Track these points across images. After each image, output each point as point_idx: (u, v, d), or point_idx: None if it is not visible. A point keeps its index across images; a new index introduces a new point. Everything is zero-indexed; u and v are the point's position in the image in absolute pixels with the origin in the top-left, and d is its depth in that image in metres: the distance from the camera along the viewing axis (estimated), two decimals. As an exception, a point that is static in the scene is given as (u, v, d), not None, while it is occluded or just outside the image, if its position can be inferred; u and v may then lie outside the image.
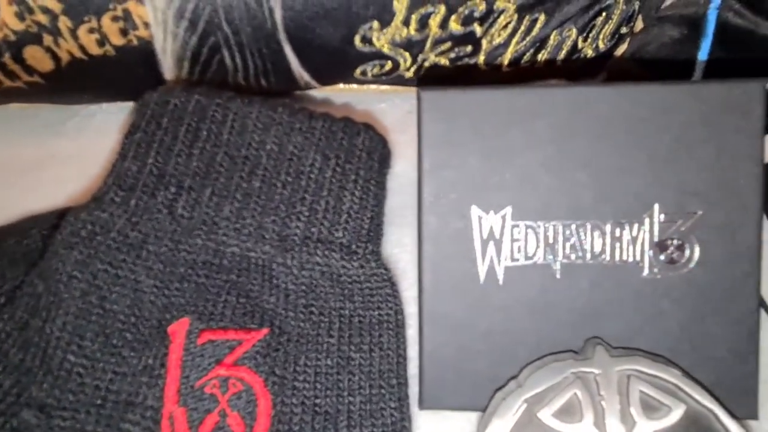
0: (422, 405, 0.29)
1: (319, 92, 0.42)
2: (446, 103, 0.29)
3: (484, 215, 0.29)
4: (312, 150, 0.33)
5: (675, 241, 0.28)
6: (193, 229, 0.30)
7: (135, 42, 0.35)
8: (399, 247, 0.34)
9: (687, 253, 0.28)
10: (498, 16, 0.36)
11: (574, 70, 0.41)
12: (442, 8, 0.35)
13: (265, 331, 0.30)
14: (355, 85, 0.43)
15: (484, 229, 0.28)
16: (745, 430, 0.26)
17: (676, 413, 0.26)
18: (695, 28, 0.39)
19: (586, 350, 0.27)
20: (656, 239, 0.28)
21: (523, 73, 0.41)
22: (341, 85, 0.43)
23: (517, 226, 0.28)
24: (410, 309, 0.32)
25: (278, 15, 0.34)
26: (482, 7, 0.35)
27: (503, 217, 0.28)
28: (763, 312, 0.32)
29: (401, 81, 0.40)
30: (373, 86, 0.42)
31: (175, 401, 0.28)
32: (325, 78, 0.40)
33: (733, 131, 0.27)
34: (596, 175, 0.28)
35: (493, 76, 0.39)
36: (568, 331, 0.28)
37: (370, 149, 0.34)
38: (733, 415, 0.26)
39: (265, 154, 0.32)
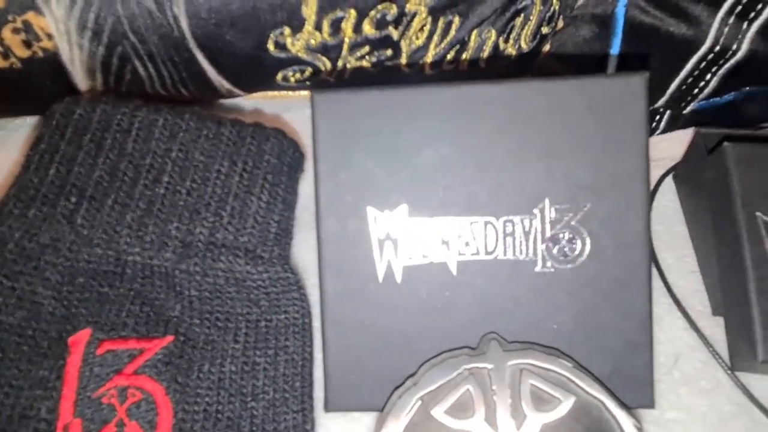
0: (328, 407, 0.29)
1: (247, 100, 0.43)
2: (339, 105, 0.29)
3: (380, 215, 0.29)
4: (219, 156, 0.33)
5: (566, 235, 0.28)
6: (94, 238, 0.30)
7: (40, 53, 0.35)
8: (313, 250, 0.34)
9: (578, 246, 0.28)
10: (411, 19, 0.37)
11: (501, 69, 0.42)
12: (353, 12, 0.35)
13: (168, 338, 0.30)
14: (283, 92, 0.43)
15: (381, 228, 0.29)
16: (633, 418, 0.26)
17: (566, 405, 0.26)
18: (605, 25, 0.40)
19: (482, 346, 0.28)
20: (548, 233, 0.28)
21: (458, 73, 0.41)
22: (270, 92, 0.43)
23: (413, 224, 0.29)
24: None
25: (184, 23, 0.34)
26: (393, 10, 0.36)
27: (398, 216, 0.29)
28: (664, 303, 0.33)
29: (329, 85, 0.40)
30: (304, 92, 0.42)
31: (71, 413, 0.27)
32: (246, 85, 0.40)
33: (619, 124, 0.28)
34: (488, 171, 0.28)
35: (433, 77, 0.39)
36: (466, 328, 0.28)
37: (280, 154, 0.34)
38: (623, 404, 0.26)
39: (170, 161, 0.32)
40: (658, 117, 0.43)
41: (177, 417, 0.28)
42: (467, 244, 0.28)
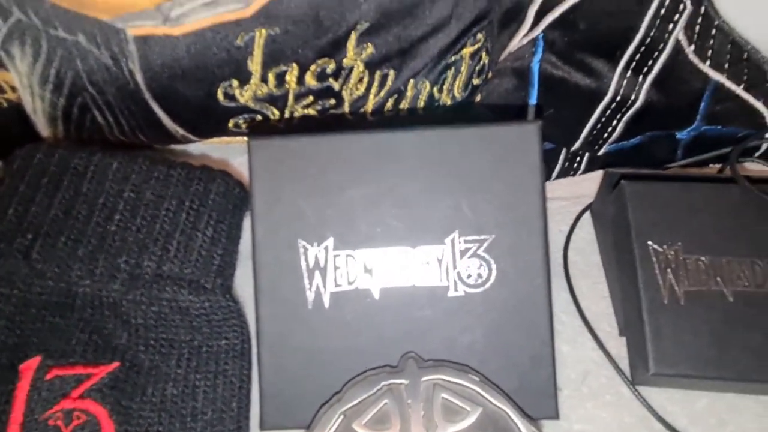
0: (263, 426, 0.32)
1: (204, 145, 0.46)
2: (273, 150, 0.32)
3: (309, 247, 0.32)
4: (168, 195, 0.36)
5: (474, 262, 0.31)
6: (47, 271, 0.33)
7: (5, 104, 0.39)
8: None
9: (485, 272, 0.31)
10: (350, 72, 0.41)
11: (438, 116, 0.46)
12: (295, 66, 0.39)
13: (115, 364, 0.32)
14: (236, 138, 0.47)
15: (310, 259, 0.32)
16: (533, 426, 0.29)
17: (474, 415, 0.29)
18: (523, 78, 0.44)
19: (401, 364, 0.31)
20: (458, 261, 0.32)
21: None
22: (226, 138, 0.47)
23: (339, 255, 0.32)
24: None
25: (139, 77, 0.38)
26: (332, 65, 0.40)
27: (326, 248, 0.32)
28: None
29: (278, 131, 0.43)
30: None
31: (18, 434, 0.29)
32: (200, 132, 0.44)
33: (518, 166, 0.32)
34: (405, 207, 0.32)
35: (375, 122, 0.43)
36: (388, 348, 0.31)
37: (225, 193, 0.37)
38: (525, 414, 0.29)
39: (123, 200, 0.35)
40: (578, 159, 0.47)
41: (119, 438, 0.30)
42: (388, 271, 0.32)
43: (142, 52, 0.36)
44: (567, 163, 0.47)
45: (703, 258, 0.34)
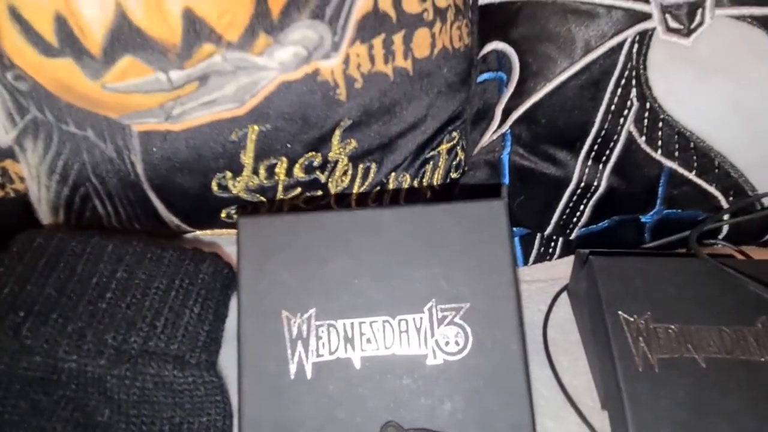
0: (242, 505, 0.31)
1: (203, 236, 0.48)
2: (261, 226, 0.35)
3: (292, 318, 0.33)
4: (160, 275, 0.38)
5: (451, 330, 0.33)
6: (35, 347, 0.33)
7: (12, 194, 0.41)
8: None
9: (462, 340, 0.33)
10: (335, 165, 0.45)
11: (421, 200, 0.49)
12: (285, 159, 0.43)
13: (94, 441, 0.32)
14: (227, 229, 0.49)
15: (293, 329, 0.33)
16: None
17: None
18: (495, 169, 0.48)
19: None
20: (436, 329, 0.33)
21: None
22: (216, 230, 0.49)
23: (321, 325, 0.33)
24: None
25: (140, 168, 0.41)
26: (318, 159, 0.43)
27: (309, 318, 0.33)
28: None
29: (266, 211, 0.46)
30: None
31: None
32: (194, 221, 0.47)
33: (488, 238, 0.34)
34: (384, 279, 0.34)
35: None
36: (370, 420, 0.31)
37: (214, 273, 0.39)
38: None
39: (115, 280, 0.37)
40: (552, 244, 0.50)
41: None
42: (369, 341, 0.33)
43: (145, 145, 0.40)
44: (543, 248, 0.50)
45: (672, 326, 0.35)
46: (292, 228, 0.35)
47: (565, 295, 0.46)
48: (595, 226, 0.48)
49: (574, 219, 0.47)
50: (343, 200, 0.47)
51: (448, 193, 0.52)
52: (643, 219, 0.47)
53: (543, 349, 0.41)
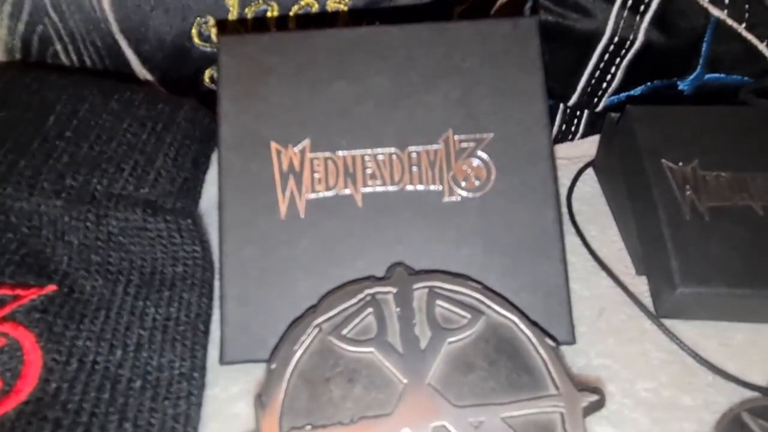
0: (223, 360, 0.26)
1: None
2: (245, 46, 0.29)
3: (283, 149, 0.28)
4: (129, 117, 0.32)
5: (472, 163, 0.28)
6: (-21, 183, 0.28)
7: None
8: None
9: (483, 175, 0.28)
10: (335, 17, 0.39)
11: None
12: (275, 5, 0.37)
13: (51, 288, 0.27)
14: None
15: (284, 163, 0.28)
16: (546, 336, 0.24)
17: (475, 325, 0.24)
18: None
19: (388, 273, 0.26)
20: (453, 162, 0.28)
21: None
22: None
23: (317, 158, 0.28)
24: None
25: (106, 3, 0.35)
26: (315, 6, 0.38)
27: (302, 150, 0.28)
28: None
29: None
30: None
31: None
32: (173, 84, 0.41)
33: (516, 62, 0.29)
34: (391, 105, 0.28)
35: None
36: (373, 262, 0.27)
37: (193, 120, 0.34)
38: (535, 323, 0.24)
39: (76, 119, 0.32)
40: (576, 120, 0.45)
41: (46, 366, 0.25)
42: (373, 175, 0.28)
43: (110, -30, 0.34)
44: (565, 125, 0.45)
45: (724, 174, 0.31)
46: (282, 48, 0.29)
47: (590, 172, 0.41)
48: (625, 93, 0.42)
49: (604, 84, 0.41)
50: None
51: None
52: (681, 85, 0.42)
53: (568, 219, 0.36)
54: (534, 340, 0.24)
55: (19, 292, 0.26)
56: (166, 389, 0.25)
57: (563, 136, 0.45)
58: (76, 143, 0.31)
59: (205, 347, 0.27)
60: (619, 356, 0.28)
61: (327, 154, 0.28)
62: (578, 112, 0.44)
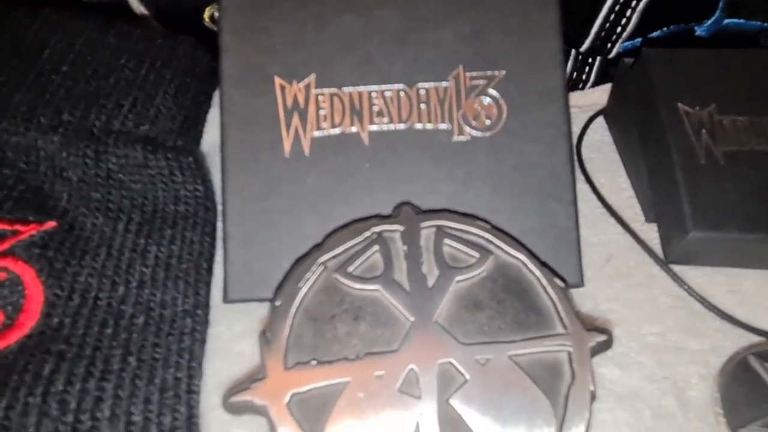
0: (226, 298, 0.26)
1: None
2: (248, -22, 0.28)
3: (287, 85, 0.27)
4: (127, 52, 0.31)
5: (482, 101, 0.27)
6: (-27, 117, 0.27)
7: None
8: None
9: (494, 114, 0.27)
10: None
11: None
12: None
13: (50, 224, 0.27)
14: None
15: (288, 99, 0.27)
16: (554, 276, 0.24)
17: (484, 264, 0.24)
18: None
19: (395, 212, 0.25)
20: (464, 100, 0.27)
21: None
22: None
23: (322, 94, 0.27)
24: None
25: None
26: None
27: (307, 86, 0.27)
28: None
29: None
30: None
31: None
32: (170, 21, 0.39)
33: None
34: (399, 40, 0.27)
35: None
36: (379, 202, 0.26)
37: (193, 58, 0.33)
38: (544, 263, 0.24)
39: (73, 53, 0.30)
40: (587, 68, 0.43)
41: (47, 301, 0.24)
42: (380, 113, 0.27)
43: None
44: (576, 72, 0.43)
45: (740, 118, 0.30)
46: (286, -22, 0.28)
47: (600, 120, 0.40)
48: (640, 39, 0.41)
49: (618, 29, 0.40)
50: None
51: None
52: (698, 31, 0.40)
53: (578, 167, 0.36)
54: (543, 280, 0.23)
55: (18, 227, 0.26)
56: (169, 325, 0.25)
57: (574, 84, 0.44)
58: (73, 78, 0.30)
59: (208, 285, 0.26)
60: (627, 301, 0.28)
61: (333, 90, 0.27)
62: (590, 59, 0.43)
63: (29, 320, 0.24)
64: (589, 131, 0.39)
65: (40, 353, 0.23)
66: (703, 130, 0.29)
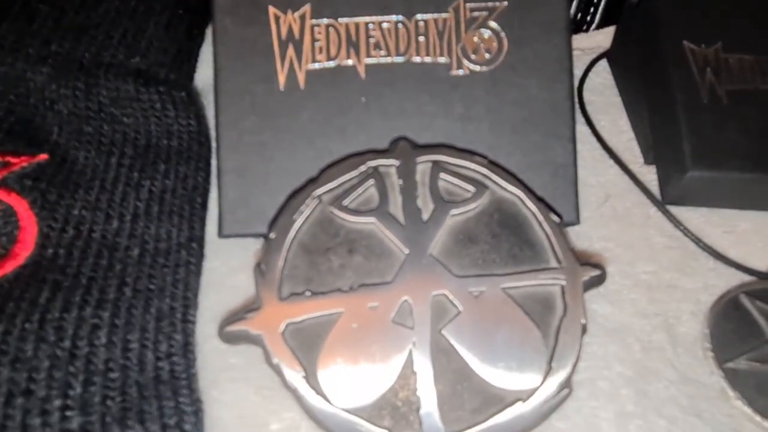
0: (222, 233, 0.26)
1: None
2: None
3: (282, 15, 0.26)
4: (115, -16, 0.30)
5: (482, 34, 0.26)
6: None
7: None
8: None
9: (494, 48, 0.26)
10: None
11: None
12: None
13: (42, 156, 0.26)
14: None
15: (283, 29, 0.26)
16: (550, 212, 0.24)
17: (479, 199, 0.24)
18: None
19: (391, 146, 0.25)
20: (463, 33, 0.26)
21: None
22: None
23: (318, 25, 0.26)
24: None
25: None
26: None
27: (302, 17, 0.26)
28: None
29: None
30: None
31: None
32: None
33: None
34: (399, -30, 0.26)
35: None
36: (375, 136, 0.26)
37: (186, -8, 0.32)
38: (540, 199, 0.24)
39: (59, -15, 0.29)
40: (593, 9, 0.42)
41: (42, 232, 0.24)
42: (377, 45, 0.26)
43: None
44: (580, 14, 0.42)
45: (747, 57, 0.29)
46: None
47: (603, 63, 0.39)
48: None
49: (625, -34, 0.39)
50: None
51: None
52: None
53: (579, 109, 0.35)
54: (538, 215, 0.23)
55: (9, 159, 0.26)
56: (164, 257, 0.25)
57: (578, 27, 0.43)
58: (61, 8, 0.29)
59: (203, 219, 0.26)
60: (622, 240, 0.28)
61: (329, 20, 0.26)
62: (595, 0, 0.41)
63: (24, 251, 0.24)
64: (591, 74, 0.38)
65: (35, 282, 0.23)
66: (708, 68, 0.29)
